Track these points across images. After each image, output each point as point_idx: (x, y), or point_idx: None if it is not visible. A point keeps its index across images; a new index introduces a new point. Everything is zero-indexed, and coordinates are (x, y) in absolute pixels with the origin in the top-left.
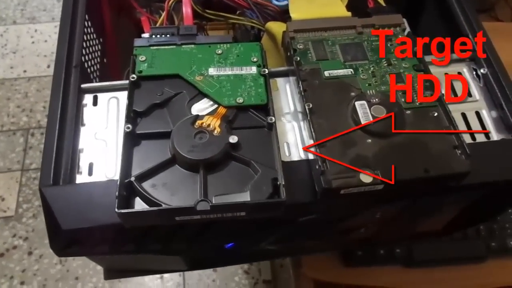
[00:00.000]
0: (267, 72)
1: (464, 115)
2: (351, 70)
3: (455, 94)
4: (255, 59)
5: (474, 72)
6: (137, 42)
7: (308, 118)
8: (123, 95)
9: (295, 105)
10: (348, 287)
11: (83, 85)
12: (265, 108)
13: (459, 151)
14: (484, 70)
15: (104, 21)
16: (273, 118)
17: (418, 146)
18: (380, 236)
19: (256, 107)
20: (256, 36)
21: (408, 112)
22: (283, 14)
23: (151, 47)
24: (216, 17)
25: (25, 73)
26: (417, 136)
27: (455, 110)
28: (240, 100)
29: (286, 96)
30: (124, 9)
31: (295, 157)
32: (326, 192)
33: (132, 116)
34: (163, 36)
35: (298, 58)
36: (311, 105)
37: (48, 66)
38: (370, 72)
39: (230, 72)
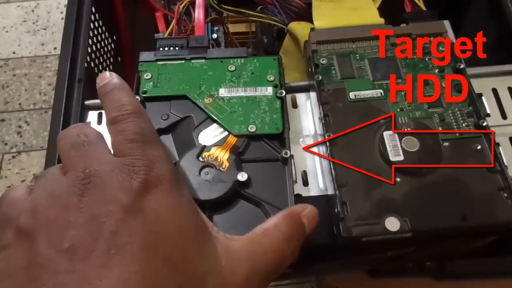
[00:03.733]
0: (284, 94)
1: None
2: (381, 91)
3: (504, 115)
4: (271, 78)
5: None
6: (143, 56)
7: (328, 151)
8: None
9: (315, 126)
10: None
11: (87, 102)
12: (280, 138)
13: (505, 195)
14: None
15: (116, 15)
16: (288, 151)
17: (455, 187)
18: (409, 258)
19: (270, 136)
20: (280, 32)
21: (446, 144)
22: (309, 12)
23: (158, 62)
24: (233, 13)
25: (56, 50)
26: (454, 175)
27: (502, 134)
28: (252, 128)
29: (307, 115)
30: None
31: (313, 190)
32: (346, 240)
33: None
34: (171, 48)
35: (320, 77)
36: (331, 135)
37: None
38: (403, 94)
39: (243, 94)
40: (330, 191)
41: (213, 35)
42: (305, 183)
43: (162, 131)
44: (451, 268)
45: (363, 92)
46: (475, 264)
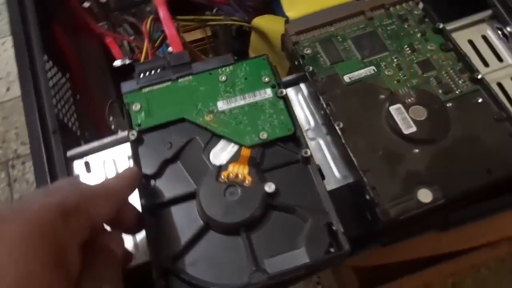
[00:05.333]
0: (285, 93)
1: (501, 86)
2: (373, 67)
3: (486, 63)
4: (266, 79)
5: (500, 32)
6: (125, 87)
7: (343, 140)
8: (119, 152)
9: (315, 118)
10: (385, 266)
11: (69, 153)
12: (294, 138)
13: None
14: (511, 28)
15: (64, 50)
16: (308, 150)
17: (472, 144)
18: None
19: (284, 139)
20: (239, 31)
21: (450, 104)
22: (266, 4)
23: (143, 90)
24: (190, 22)
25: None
26: (467, 133)
27: (490, 81)
28: (264, 135)
29: (302, 109)
30: (81, 28)
31: (331, 182)
32: (385, 223)
33: (144, 183)
34: (152, 72)
35: (311, 68)
36: (341, 124)
37: (8, 89)
38: (394, 65)
39: (242, 102)
40: (350, 179)
41: (168, 49)
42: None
43: (169, 162)
44: (453, 217)
45: (356, 73)
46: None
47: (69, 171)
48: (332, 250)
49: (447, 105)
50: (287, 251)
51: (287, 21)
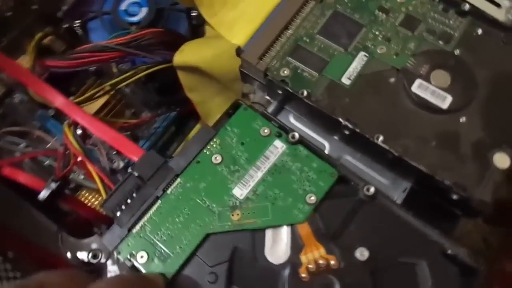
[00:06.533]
0: (297, 136)
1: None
2: (363, 53)
3: None
4: (266, 131)
5: None
6: (108, 241)
7: (388, 147)
8: None
9: (324, 135)
10: None
11: None
12: (343, 180)
13: None
14: None
15: None
16: (370, 187)
17: (505, 80)
18: None
19: (333, 189)
20: (145, 84)
21: (458, 51)
22: (174, 34)
23: (133, 230)
24: (89, 99)
25: None
26: (492, 71)
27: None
28: (311, 198)
29: (307, 134)
30: None
31: (394, 196)
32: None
33: None
34: (129, 201)
35: (305, 92)
36: (381, 136)
37: None
38: (380, 38)
39: (260, 174)
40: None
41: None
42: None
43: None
44: None
45: (351, 69)
46: None
47: None
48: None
49: (456, 52)
50: None
51: (239, 51)
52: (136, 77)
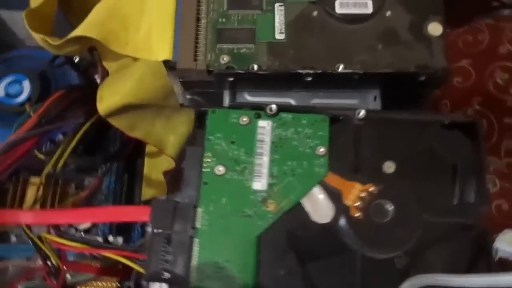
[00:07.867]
0: (274, 107)
1: None
2: (278, 4)
3: None
4: (244, 119)
5: None
6: None
7: (352, 72)
8: None
9: (290, 97)
10: None
11: None
12: (335, 119)
13: None
14: None
15: None
16: (360, 111)
17: None
18: None
19: (332, 130)
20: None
21: None
22: (69, 94)
23: (193, 283)
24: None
25: None
26: None
27: None
28: (321, 150)
29: None
30: None
31: None
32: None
33: None
34: (168, 258)
35: (255, 66)
36: (341, 66)
37: None
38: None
39: (266, 159)
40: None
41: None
42: None
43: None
44: None
45: (277, 23)
46: None
47: None
48: None
49: None
50: None
51: (170, 64)
52: (71, 148)
